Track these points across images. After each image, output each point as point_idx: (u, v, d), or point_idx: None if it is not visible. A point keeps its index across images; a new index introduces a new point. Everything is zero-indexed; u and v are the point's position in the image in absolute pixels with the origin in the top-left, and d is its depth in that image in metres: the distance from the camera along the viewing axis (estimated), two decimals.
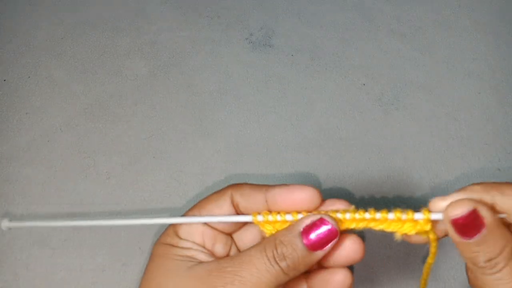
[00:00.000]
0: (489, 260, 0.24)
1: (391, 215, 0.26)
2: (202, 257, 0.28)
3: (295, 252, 0.26)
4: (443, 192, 0.44)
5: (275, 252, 0.26)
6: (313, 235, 0.26)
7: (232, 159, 0.45)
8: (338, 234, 0.26)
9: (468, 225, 0.25)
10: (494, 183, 0.27)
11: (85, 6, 0.54)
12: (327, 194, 0.37)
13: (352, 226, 0.27)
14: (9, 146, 0.46)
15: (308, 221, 0.26)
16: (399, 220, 0.26)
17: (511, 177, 0.44)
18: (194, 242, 0.29)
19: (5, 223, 0.31)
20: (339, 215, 0.26)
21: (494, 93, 0.49)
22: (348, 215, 0.26)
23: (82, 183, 0.44)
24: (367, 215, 0.26)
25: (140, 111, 0.48)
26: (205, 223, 0.29)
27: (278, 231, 0.27)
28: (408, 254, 0.41)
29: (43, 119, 0.47)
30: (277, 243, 0.26)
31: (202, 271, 0.26)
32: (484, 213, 0.25)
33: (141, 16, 0.53)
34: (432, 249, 0.27)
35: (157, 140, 0.46)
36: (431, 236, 0.26)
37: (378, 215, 0.26)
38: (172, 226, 0.29)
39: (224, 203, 0.29)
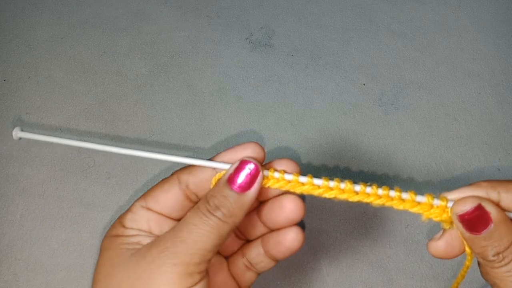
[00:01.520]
0: (497, 253, 0.25)
1: (392, 192, 0.27)
2: (149, 241, 0.28)
3: (226, 199, 0.27)
4: (445, 191, 0.44)
5: (207, 205, 0.27)
6: (239, 179, 0.27)
7: None
8: (261, 171, 0.27)
9: (475, 220, 0.26)
10: (500, 180, 0.27)
11: (85, 6, 0.54)
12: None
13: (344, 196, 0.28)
14: (9, 146, 0.46)
15: (231, 169, 0.27)
16: (399, 198, 0.27)
17: (511, 177, 0.44)
18: (140, 229, 0.29)
19: (17, 132, 0.30)
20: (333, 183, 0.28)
21: (494, 93, 0.49)
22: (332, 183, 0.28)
23: (82, 183, 0.44)
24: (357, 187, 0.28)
25: (140, 111, 0.48)
26: (150, 210, 0.29)
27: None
28: (408, 255, 0.41)
29: (43, 119, 0.47)
30: (208, 198, 0.27)
31: (144, 249, 0.27)
32: (490, 208, 0.26)
33: (141, 16, 0.53)
34: (468, 253, 0.27)
35: (156, 140, 0.46)
36: (461, 229, 0.26)
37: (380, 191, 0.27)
38: (118, 218, 0.30)
39: (171, 187, 0.30)
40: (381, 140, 0.46)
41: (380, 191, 0.27)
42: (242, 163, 0.27)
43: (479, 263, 0.29)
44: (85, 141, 0.31)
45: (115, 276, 0.26)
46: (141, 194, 0.43)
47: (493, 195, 0.27)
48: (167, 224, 0.30)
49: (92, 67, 0.50)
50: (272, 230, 0.31)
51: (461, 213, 0.26)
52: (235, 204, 0.27)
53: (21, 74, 0.50)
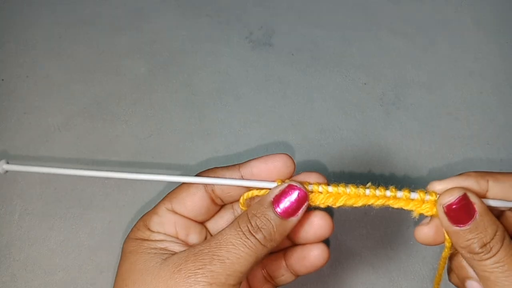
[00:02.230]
0: (484, 245, 0.25)
1: (388, 192, 0.27)
2: (176, 248, 0.27)
3: (269, 222, 0.26)
4: None
5: (249, 225, 0.26)
6: (284, 203, 0.26)
7: (232, 159, 0.45)
8: (308, 198, 0.27)
9: (460, 212, 0.25)
10: (488, 171, 0.27)
11: (84, 5, 0.54)
12: None
13: (350, 202, 0.28)
14: (7, 146, 0.45)
15: (277, 191, 0.27)
16: (403, 198, 0.27)
17: None
18: (166, 234, 0.28)
19: (3, 165, 0.28)
20: (323, 188, 0.28)
21: (496, 93, 0.49)
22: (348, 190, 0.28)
23: (80, 183, 0.44)
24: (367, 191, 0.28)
25: (139, 110, 0.48)
26: (176, 213, 0.29)
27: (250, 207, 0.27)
28: (409, 256, 0.41)
29: (41, 118, 0.47)
30: (250, 217, 0.26)
31: (178, 259, 0.26)
32: (474, 199, 0.26)
33: (140, 15, 0.53)
34: (447, 243, 0.27)
35: (156, 140, 0.46)
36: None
37: (378, 192, 0.27)
38: (142, 219, 0.29)
39: (197, 190, 0.29)
40: (382, 140, 0.46)
41: (378, 192, 0.27)
42: (290, 187, 0.27)
43: (449, 270, 0.29)
44: (80, 168, 0.30)
45: (144, 284, 0.25)
46: (140, 194, 0.43)
47: (483, 183, 0.27)
48: (193, 229, 0.29)
49: (91, 66, 0.50)
50: (296, 244, 0.30)
51: (447, 203, 0.26)
52: (277, 228, 0.26)
53: (19, 73, 0.49)
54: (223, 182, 0.28)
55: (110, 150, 0.45)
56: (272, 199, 0.26)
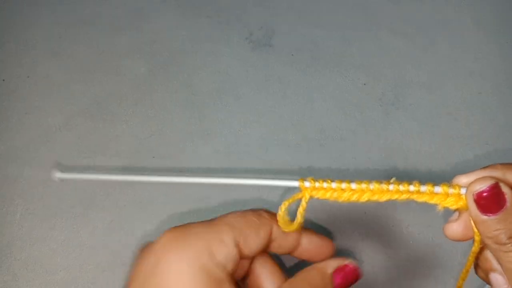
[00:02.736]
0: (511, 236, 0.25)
1: (411, 187, 0.28)
2: None
3: None
4: None
5: None
6: (341, 281, 0.26)
7: (232, 159, 0.45)
8: (360, 277, 0.27)
9: (491, 200, 0.25)
10: None
11: (84, 5, 0.54)
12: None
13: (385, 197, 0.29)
14: (8, 146, 0.46)
15: (335, 264, 0.27)
16: (420, 192, 0.28)
17: None
18: (228, 272, 0.24)
19: (58, 174, 0.29)
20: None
21: (496, 93, 0.49)
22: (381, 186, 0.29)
23: (81, 183, 0.44)
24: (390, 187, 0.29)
25: (140, 110, 0.48)
26: (240, 250, 0.25)
27: (308, 272, 0.26)
28: (409, 255, 0.41)
29: (42, 119, 0.47)
30: None
31: None
32: (506, 189, 0.25)
33: (140, 15, 0.53)
34: (476, 237, 0.27)
35: (157, 140, 0.46)
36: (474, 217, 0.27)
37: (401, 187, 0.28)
38: (204, 240, 0.23)
39: (265, 235, 0.26)
40: (382, 140, 0.46)
41: (401, 187, 0.28)
42: (350, 265, 0.27)
43: (476, 265, 0.29)
44: (106, 173, 0.29)
45: None
46: (140, 194, 0.43)
47: (510, 176, 0.26)
48: (240, 265, 0.26)
49: (91, 66, 0.50)
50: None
51: (478, 191, 0.25)
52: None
53: (19, 73, 0.49)
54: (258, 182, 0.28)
55: (111, 150, 0.46)
56: (331, 272, 0.26)
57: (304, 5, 0.54)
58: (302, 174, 0.44)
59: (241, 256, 0.25)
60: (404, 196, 0.28)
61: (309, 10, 0.54)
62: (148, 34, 0.52)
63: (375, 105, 0.48)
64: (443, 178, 0.44)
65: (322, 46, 0.51)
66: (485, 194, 0.25)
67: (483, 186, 0.25)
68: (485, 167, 0.27)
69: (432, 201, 0.28)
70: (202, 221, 0.25)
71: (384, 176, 0.44)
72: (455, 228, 0.27)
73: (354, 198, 0.28)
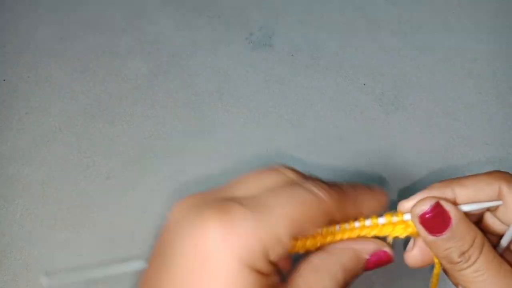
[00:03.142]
0: (463, 253, 0.24)
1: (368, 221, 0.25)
2: (276, 284, 0.21)
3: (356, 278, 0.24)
4: None
5: (346, 284, 0.23)
6: (374, 264, 0.25)
7: (232, 159, 0.45)
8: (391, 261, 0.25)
9: (435, 221, 0.25)
10: (452, 178, 0.26)
11: (85, 6, 0.54)
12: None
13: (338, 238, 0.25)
14: (8, 146, 0.46)
15: (371, 248, 0.25)
16: (378, 225, 0.26)
17: None
18: (276, 271, 0.21)
19: (47, 281, 0.28)
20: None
21: (494, 93, 0.49)
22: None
23: (81, 183, 0.44)
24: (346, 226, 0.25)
25: (140, 111, 0.48)
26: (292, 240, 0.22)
27: (343, 253, 0.24)
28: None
29: (42, 119, 0.47)
30: (347, 275, 0.24)
31: None
32: (448, 207, 0.25)
33: (141, 16, 0.53)
34: (435, 259, 0.26)
35: (157, 140, 0.46)
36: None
37: (368, 221, 0.25)
38: (259, 239, 0.20)
39: (323, 220, 0.23)
40: (381, 140, 0.46)
41: (347, 226, 0.25)
42: (386, 251, 0.26)
43: (446, 273, 0.27)
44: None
45: None
46: (141, 194, 0.43)
47: (448, 193, 0.25)
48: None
49: (92, 67, 0.50)
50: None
51: (421, 213, 0.25)
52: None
53: (20, 74, 0.49)
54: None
55: (111, 150, 0.46)
56: (367, 258, 0.25)
57: (304, 6, 0.54)
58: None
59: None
60: (352, 234, 0.25)
61: (309, 11, 0.54)
62: (149, 34, 0.52)
63: (374, 105, 0.48)
64: (442, 177, 0.45)
65: (322, 46, 0.51)
66: (428, 215, 0.24)
67: (424, 207, 0.25)
68: (423, 190, 0.26)
69: (382, 234, 0.26)
70: (251, 208, 0.21)
71: (384, 176, 0.44)
72: (413, 255, 0.27)
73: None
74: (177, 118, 0.47)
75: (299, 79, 0.49)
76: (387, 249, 0.25)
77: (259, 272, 0.20)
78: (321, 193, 0.22)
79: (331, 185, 0.23)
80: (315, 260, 0.24)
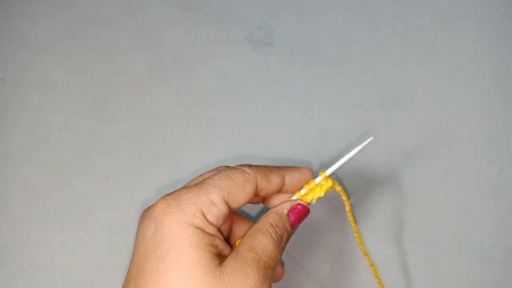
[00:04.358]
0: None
1: (303, 190, 0.34)
2: (221, 245, 0.27)
3: (288, 233, 0.31)
4: (446, 191, 0.43)
5: (277, 236, 0.30)
6: (295, 217, 0.32)
7: (232, 159, 0.45)
8: (308, 213, 0.33)
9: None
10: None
11: (83, 4, 0.54)
12: (327, 194, 0.37)
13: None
14: (7, 146, 0.45)
15: (288, 206, 0.32)
16: (313, 188, 0.34)
17: None
18: (217, 229, 0.28)
19: None
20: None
21: (496, 93, 0.49)
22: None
23: (80, 183, 0.44)
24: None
25: (139, 110, 0.47)
26: (229, 207, 0.29)
27: (268, 215, 0.31)
28: (408, 256, 0.41)
29: (41, 118, 0.47)
30: (276, 228, 0.30)
31: (236, 270, 0.26)
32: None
33: (140, 14, 0.53)
34: (344, 197, 0.36)
35: (157, 140, 0.46)
36: (338, 187, 0.35)
37: (303, 191, 0.34)
38: (194, 204, 0.27)
39: (251, 189, 0.30)
40: (382, 140, 0.46)
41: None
42: (299, 204, 0.33)
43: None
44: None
45: (197, 285, 0.24)
46: (140, 194, 0.43)
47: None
48: (227, 227, 0.32)
49: (91, 66, 0.50)
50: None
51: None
52: (290, 236, 0.32)
53: (19, 73, 0.49)
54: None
55: (111, 150, 0.45)
56: (286, 212, 0.31)
57: (304, 5, 0.54)
58: None
59: (231, 210, 0.29)
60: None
61: (309, 10, 0.54)
62: (148, 33, 0.52)
63: (375, 105, 0.48)
64: (444, 177, 0.44)
65: (322, 45, 0.51)
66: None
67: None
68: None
69: (308, 200, 0.34)
70: (192, 186, 0.28)
71: (385, 176, 0.44)
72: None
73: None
74: (176, 117, 0.47)
75: (299, 78, 0.49)
76: (301, 202, 0.32)
77: (202, 230, 0.26)
78: (248, 170, 0.30)
79: (261, 167, 0.31)
80: (251, 229, 0.30)
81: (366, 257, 0.37)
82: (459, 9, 0.54)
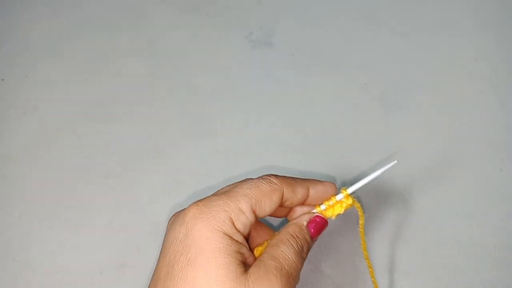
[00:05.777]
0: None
1: (323, 206, 0.34)
2: (246, 253, 0.28)
3: (308, 244, 0.32)
4: (446, 191, 0.43)
5: (298, 247, 0.30)
6: (314, 228, 0.32)
7: (232, 159, 0.45)
8: (327, 226, 0.33)
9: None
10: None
11: (83, 5, 0.54)
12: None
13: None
14: (7, 146, 0.45)
15: (307, 218, 0.33)
16: (332, 205, 0.34)
17: None
18: (244, 237, 0.28)
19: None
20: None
21: (496, 93, 0.49)
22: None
23: (80, 183, 0.44)
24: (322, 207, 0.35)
25: (139, 111, 0.47)
26: (256, 215, 0.29)
27: (289, 227, 0.32)
28: (409, 256, 0.41)
29: (41, 119, 0.47)
30: (297, 240, 0.31)
31: (259, 279, 0.26)
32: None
33: (140, 15, 0.53)
34: (360, 214, 0.35)
35: (157, 140, 0.46)
36: (356, 204, 0.35)
37: (323, 206, 0.34)
38: (224, 211, 0.28)
39: (277, 200, 0.31)
40: (382, 140, 0.46)
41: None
42: (318, 217, 0.33)
43: None
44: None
45: None
46: (140, 194, 0.43)
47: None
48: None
49: (91, 66, 0.50)
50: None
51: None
52: (310, 247, 0.33)
53: (19, 73, 0.49)
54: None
55: (111, 150, 0.45)
56: (305, 224, 0.32)
57: (304, 5, 0.54)
58: (302, 174, 0.44)
59: (257, 218, 0.30)
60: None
61: (309, 10, 0.54)
62: (148, 34, 0.52)
63: (375, 105, 0.48)
64: (444, 178, 0.44)
65: (322, 46, 0.51)
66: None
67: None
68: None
69: (328, 216, 0.34)
70: (221, 194, 0.29)
71: (385, 176, 0.44)
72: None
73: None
74: (176, 117, 0.47)
75: (299, 78, 0.49)
76: (319, 215, 0.33)
77: (230, 238, 0.27)
78: (275, 180, 0.31)
79: (287, 177, 0.32)
80: (272, 239, 0.31)
81: (369, 269, 0.37)
82: (459, 9, 0.54)
